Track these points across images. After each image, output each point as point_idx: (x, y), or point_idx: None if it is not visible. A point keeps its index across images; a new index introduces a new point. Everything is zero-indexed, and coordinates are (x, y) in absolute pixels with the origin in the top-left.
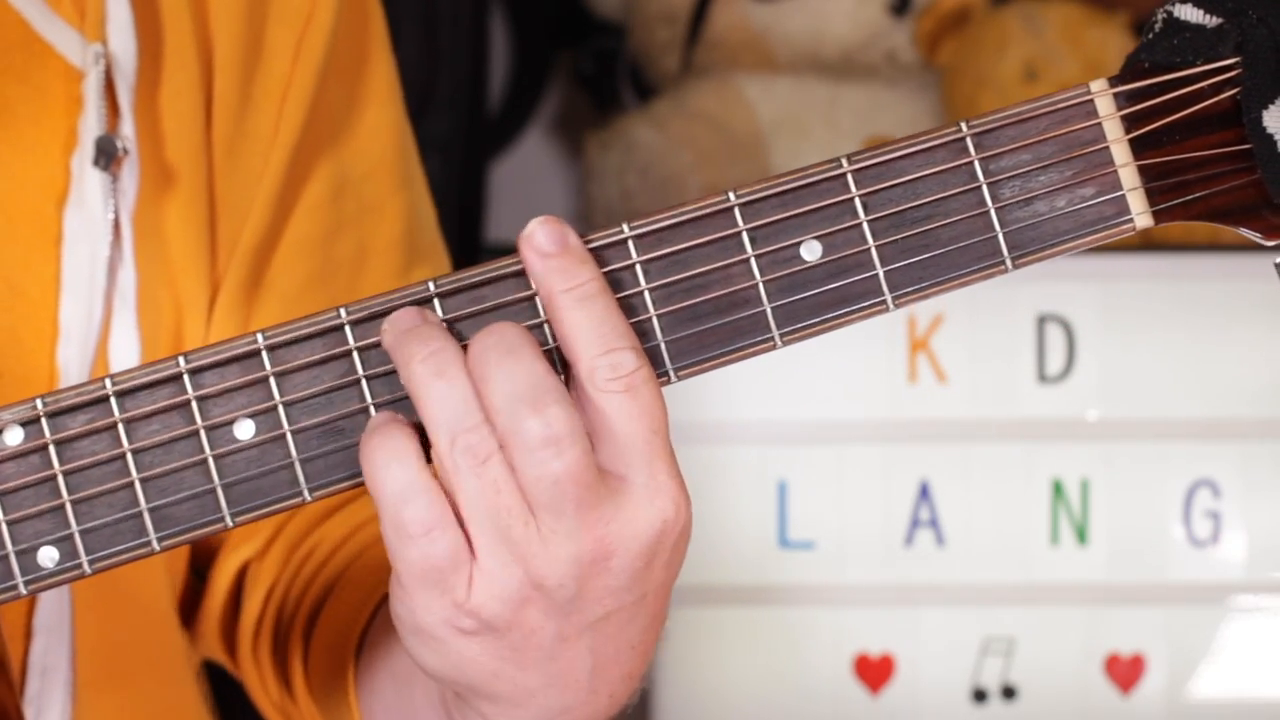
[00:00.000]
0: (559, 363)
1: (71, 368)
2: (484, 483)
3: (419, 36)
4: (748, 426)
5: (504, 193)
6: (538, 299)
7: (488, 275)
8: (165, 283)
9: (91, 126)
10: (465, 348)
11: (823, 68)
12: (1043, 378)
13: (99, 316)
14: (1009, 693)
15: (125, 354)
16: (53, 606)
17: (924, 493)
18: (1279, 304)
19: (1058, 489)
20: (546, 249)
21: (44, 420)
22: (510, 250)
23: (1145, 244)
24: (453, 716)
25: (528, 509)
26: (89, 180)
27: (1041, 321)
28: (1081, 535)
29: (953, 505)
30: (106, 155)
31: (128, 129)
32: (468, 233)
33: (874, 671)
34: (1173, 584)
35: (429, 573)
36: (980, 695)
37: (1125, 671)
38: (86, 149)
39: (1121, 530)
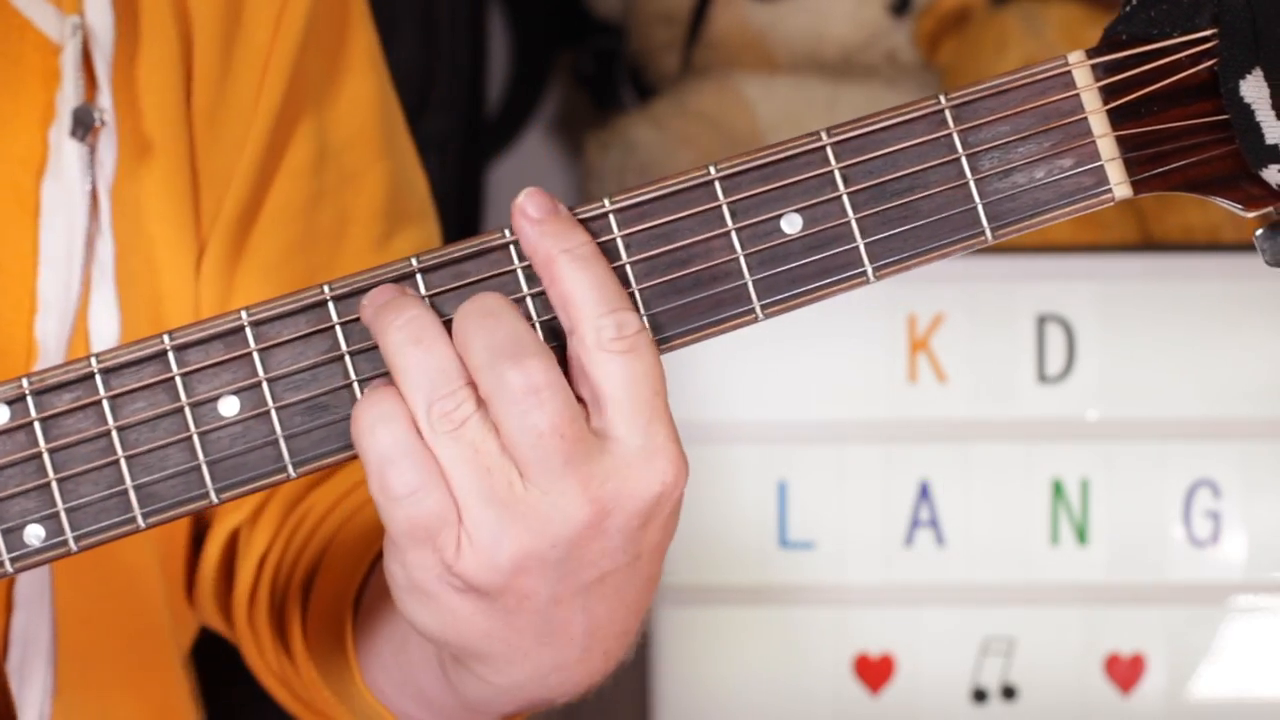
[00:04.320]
0: (545, 337)
1: (50, 340)
2: (462, 445)
3: (418, 36)
4: (748, 426)
5: (503, 193)
6: (520, 273)
7: (470, 250)
8: (144, 255)
9: (69, 99)
10: (448, 323)
11: (823, 68)
12: (1043, 378)
13: (77, 289)
14: (1009, 693)
15: (105, 326)
16: (33, 579)
17: (924, 493)
18: (1279, 304)
19: (1058, 489)
20: (538, 215)
21: (29, 398)
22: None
23: (1145, 244)
24: (449, 676)
25: (513, 468)
26: (66, 152)
27: (1041, 321)
28: (1081, 535)
29: (953, 505)
30: (84, 126)
31: (105, 101)
32: (467, 233)
33: (874, 671)
34: (1173, 584)
35: (416, 532)
36: (980, 695)
37: (1125, 671)
38: (64, 121)
39: (1121, 530)
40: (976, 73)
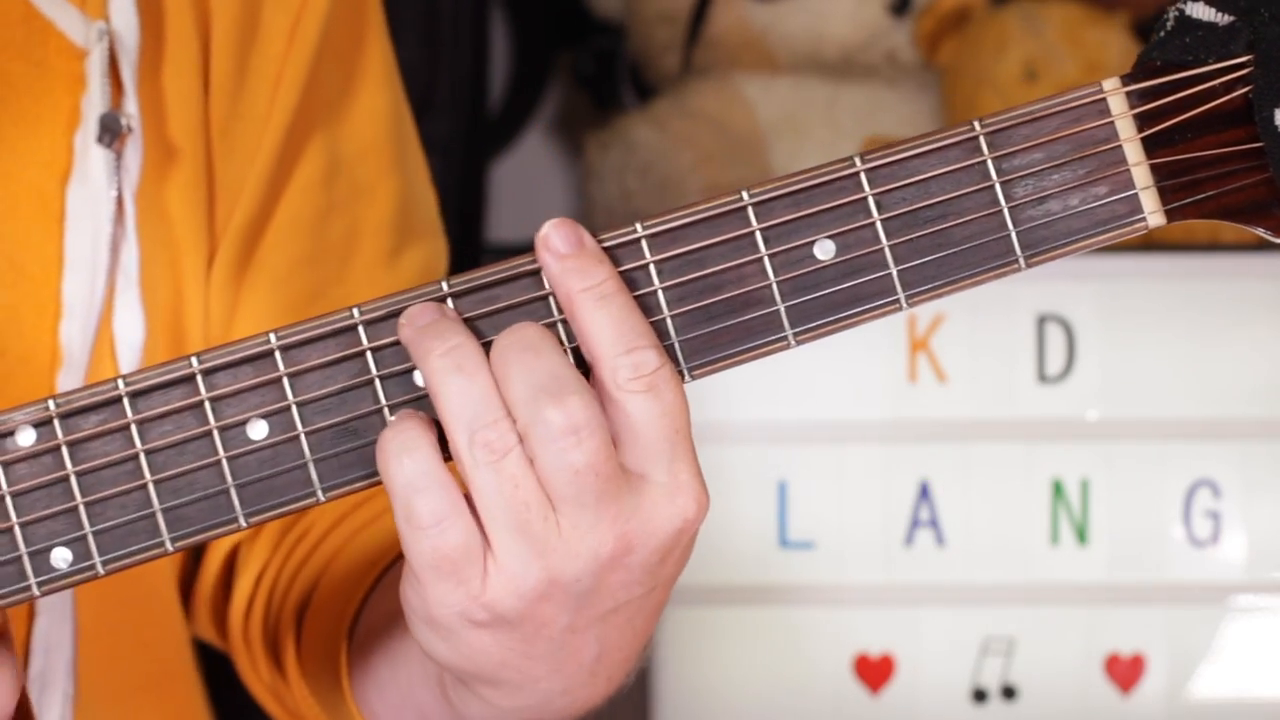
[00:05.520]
0: (579, 364)
1: (74, 345)
2: (502, 478)
3: (419, 37)
4: (748, 426)
5: (504, 193)
6: (551, 298)
7: (500, 275)
8: (168, 260)
9: (95, 104)
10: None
11: (823, 68)
12: (1043, 378)
13: (101, 294)
14: (1009, 693)
15: (130, 332)
16: (55, 600)
17: (924, 493)
18: (1279, 304)
19: (1058, 489)
20: (563, 250)
21: (56, 421)
22: (510, 250)
23: (1145, 244)
24: (449, 697)
25: (548, 503)
26: (92, 158)
27: (1041, 321)
28: (1081, 535)
29: (953, 505)
30: (111, 132)
31: (131, 106)
32: (468, 233)
33: (874, 671)
34: (1173, 584)
35: (441, 564)
36: (980, 695)
37: (1125, 671)
38: (90, 126)
39: (1121, 530)
40: (976, 73)
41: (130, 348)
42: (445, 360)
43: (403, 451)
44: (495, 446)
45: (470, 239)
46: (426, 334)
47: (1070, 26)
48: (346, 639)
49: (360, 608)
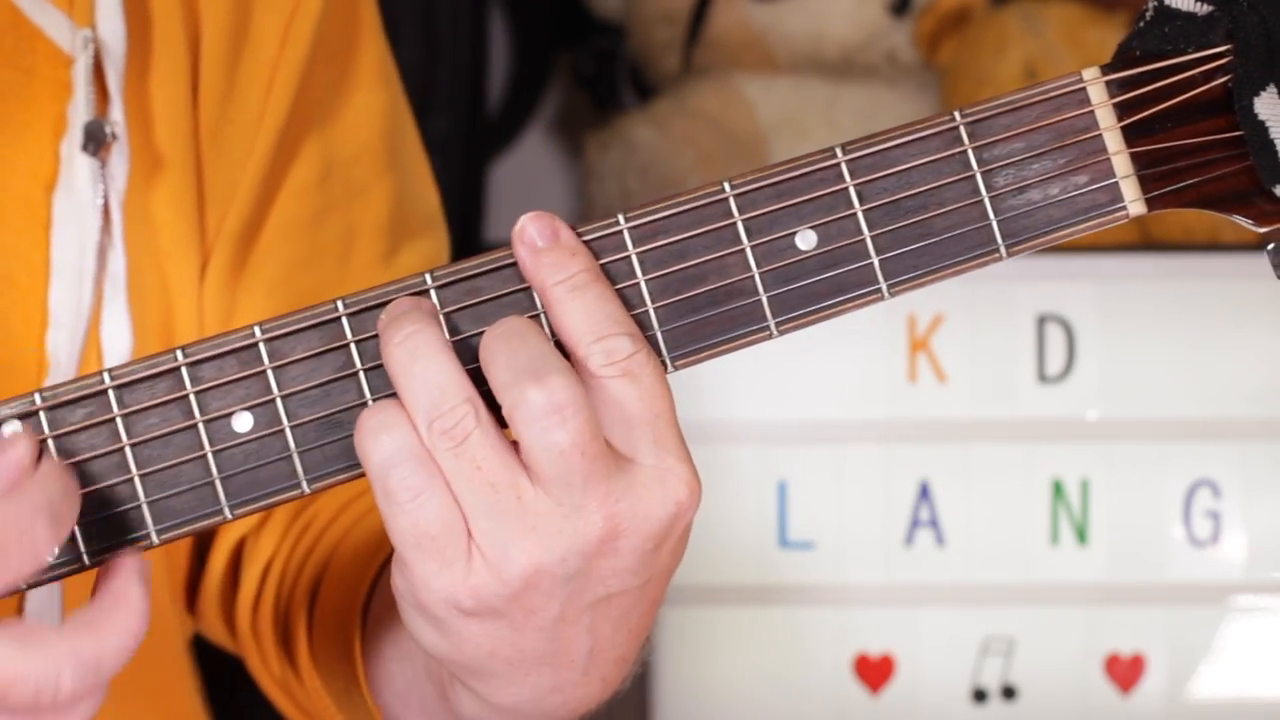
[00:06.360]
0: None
1: (61, 354)
2: (463, 461)
3: (419, 36)
4: (748, 426)
5: (504, 193)
6: (533, 289)
7: (485, 267)
8: (155, 268)
9: (80, 112)
10: (462, 340)
11: (823, 68)
12: (1043, 378)
13: (89, 302)
14: (1009, 693)
15: (118, 340)
16: (43, 590)
17: (924, 493)
18: (1279, 304)
19: (1058, 489)
20: (538, 243)
21: (42, 415)
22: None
23: (1145, 244)
24: (445, 692)
25: (519, 483)
26: (78, 166)
27: (1041, 321)
28: (1081, 535)
29: (953, 505)
30: (95, 141)
31: (117, 114)
32: (467, 233)
33: (874, 671)
34: (1173, 584)
35: (421, 541)
36: (980, 695)
37: (1125, 671)
38: (75, 134)
39: (1121, 530)
40: (976, 73)
41: (118, 356)
42: (400, 349)
43: (380, 429)
44: (453, 433)
45: (470, 239)
46: (391, 324)
47: (1070, 26)
48: (360, 622)
49: (371, 590)
